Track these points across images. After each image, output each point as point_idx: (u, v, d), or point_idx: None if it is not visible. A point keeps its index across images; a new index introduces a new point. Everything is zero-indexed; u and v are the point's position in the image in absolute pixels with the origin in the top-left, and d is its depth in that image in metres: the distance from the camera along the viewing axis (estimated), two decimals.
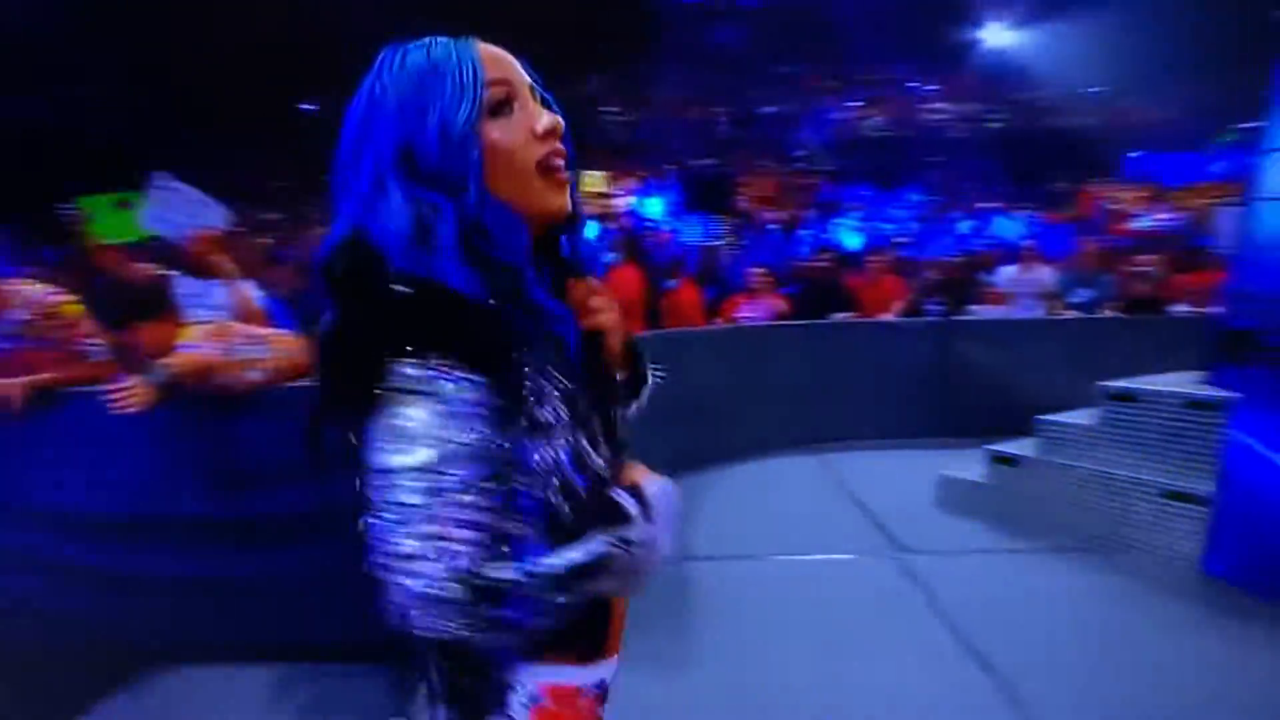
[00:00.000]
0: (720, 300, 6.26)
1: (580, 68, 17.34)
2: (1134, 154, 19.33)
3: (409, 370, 0.66)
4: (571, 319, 0.79)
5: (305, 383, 2.48)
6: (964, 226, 12.03)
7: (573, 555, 0.70)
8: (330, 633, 2.34)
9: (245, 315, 2.94)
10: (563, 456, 0.75)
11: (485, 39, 0.80)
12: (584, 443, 0.78)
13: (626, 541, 0.72)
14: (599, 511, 0.74)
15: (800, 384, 5.27)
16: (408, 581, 0.63)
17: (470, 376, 0.66)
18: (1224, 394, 3.07)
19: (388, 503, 0.64)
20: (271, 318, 3.22)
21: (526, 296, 0.74)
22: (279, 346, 2.52)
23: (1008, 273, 6.15)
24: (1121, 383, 3.43)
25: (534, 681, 0.79)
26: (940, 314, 5.88)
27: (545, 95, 0.82)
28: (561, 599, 0.68)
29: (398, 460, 0.65)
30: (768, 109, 23.47)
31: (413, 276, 0.68)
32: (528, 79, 0.80)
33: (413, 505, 0.64)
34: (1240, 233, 3.19)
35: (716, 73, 25.57)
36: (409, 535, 0.63)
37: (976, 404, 5.30)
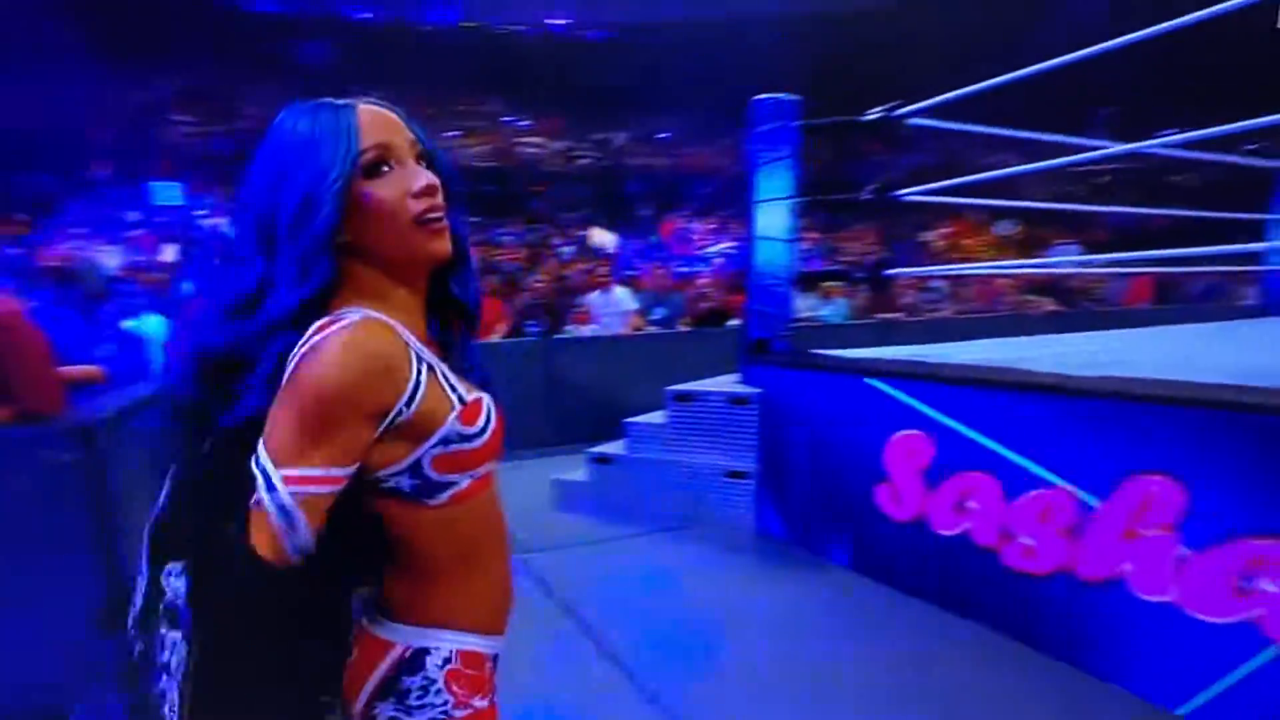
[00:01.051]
0: None
1: (146, 73, 15.35)
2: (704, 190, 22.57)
3: None
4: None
5: None
6: (564, 252, 13.06)
7: None
8: None
9: None
10: None
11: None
12: None
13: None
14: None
15: None
16: None
17: None
18: (752, 390, 3.92)
19: None
20: None
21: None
22: None
23: (595, 296, 6.93)
24: (683, 386, 4.18)
25: (449, 646, 0.90)
26: (540, 334, 6.45)
27: (430, 148, 0.90)
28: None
29: None
30: None
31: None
32: (411, 137, 0.88)
33: None
34: (748, 263, 4.12)
35: (307, 89, 24.37)
36: None
37: (579, 414, 5.92)
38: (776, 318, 4.04)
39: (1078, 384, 2.63)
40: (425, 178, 0.85)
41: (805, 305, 7.55)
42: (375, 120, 0.86)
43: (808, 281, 5.54)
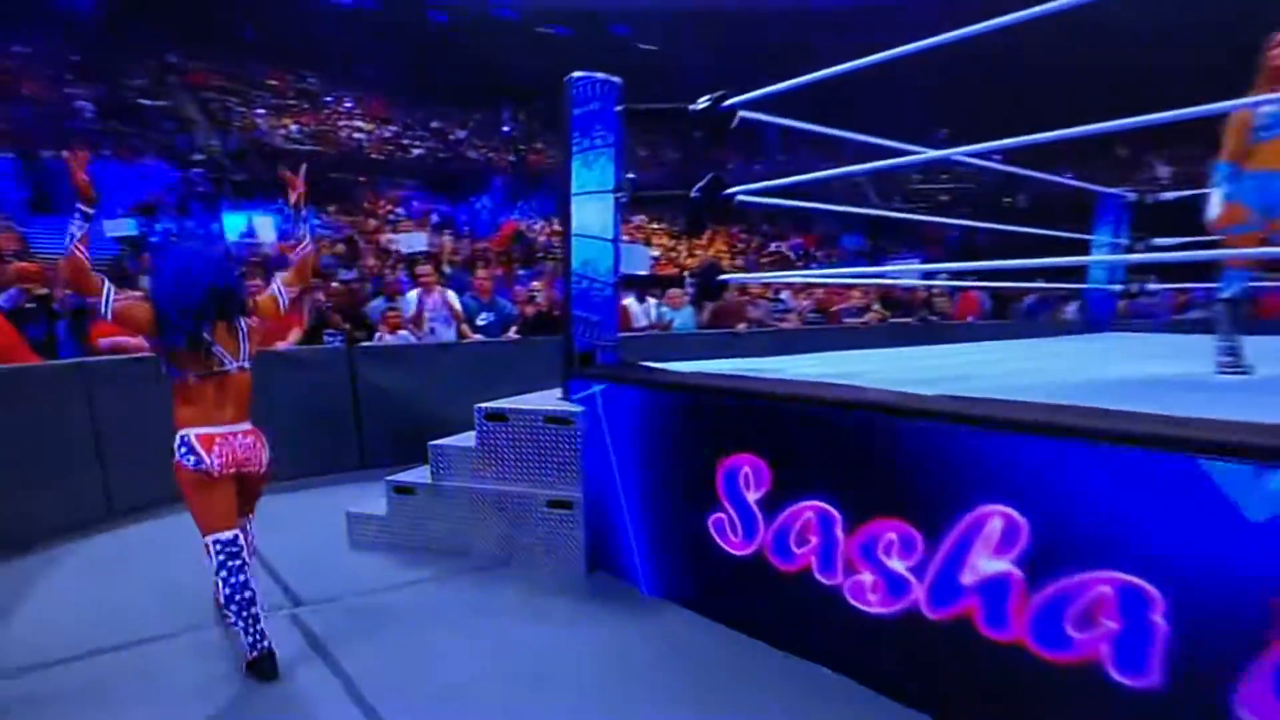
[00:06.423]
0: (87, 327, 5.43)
1: None
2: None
3: None
4: None
5: None
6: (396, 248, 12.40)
7: None
8: None
9: None
10: None
11: None
12: None
13: None
14: None
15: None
16: None
17: None
18: (574, 409, 3.67)
19: None
20: None
21: None
22: None
23: (412, 297, 6.50)
24: (495, 404, 3.85)
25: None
26: (341, 341, 5.95)
27: None
28: None
29: None
30: (152, 101, 21.23)
31: None
32: None
33: None
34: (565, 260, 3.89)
35: (68, 43, 22.15)
36: None
37: (386, 434, 5.50)
38: (602, 326, 3.83)
39: (912, 404, 2.56)
40: None
41: (654, 312, 7.42)
42: None
43: (652, 285, 5.41)
